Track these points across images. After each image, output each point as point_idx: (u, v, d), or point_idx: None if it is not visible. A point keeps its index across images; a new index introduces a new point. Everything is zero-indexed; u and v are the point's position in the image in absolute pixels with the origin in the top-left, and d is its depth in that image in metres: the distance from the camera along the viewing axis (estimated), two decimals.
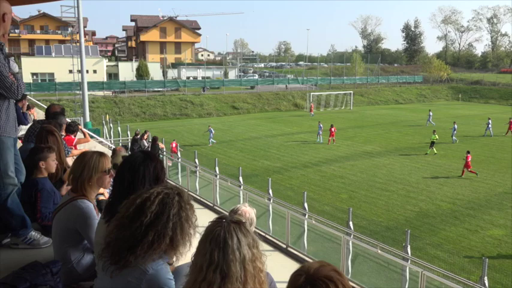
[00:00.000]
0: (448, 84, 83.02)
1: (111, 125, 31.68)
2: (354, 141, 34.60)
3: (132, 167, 2.52)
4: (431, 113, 45.28)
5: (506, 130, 38.56)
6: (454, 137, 34.37)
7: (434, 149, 29.75)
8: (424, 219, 17.53)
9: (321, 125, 34.96)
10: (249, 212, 3.44)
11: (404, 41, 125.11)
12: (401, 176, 24.14)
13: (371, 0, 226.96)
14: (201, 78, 66.86)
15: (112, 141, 26.24)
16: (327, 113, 54.10)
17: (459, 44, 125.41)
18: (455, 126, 34.94)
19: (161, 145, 20.99)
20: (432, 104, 69.20)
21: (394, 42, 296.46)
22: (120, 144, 25.59)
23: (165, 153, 21.18)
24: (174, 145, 25.45)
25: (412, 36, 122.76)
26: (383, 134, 38.71)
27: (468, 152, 24.20)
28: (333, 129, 33.89)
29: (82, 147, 8.55)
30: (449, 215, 18.04)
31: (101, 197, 4.16)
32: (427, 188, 21.90)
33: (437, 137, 30.35)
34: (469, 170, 23.68)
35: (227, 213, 3.02)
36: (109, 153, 8.43)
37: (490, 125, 37.85)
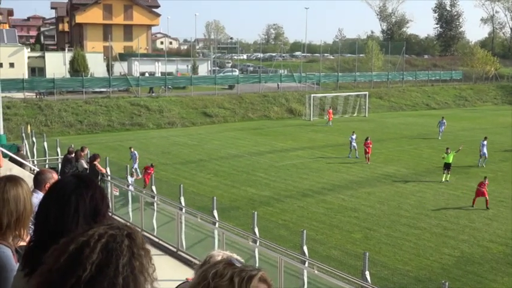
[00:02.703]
0: (497, 83, 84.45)
1: (34, 139, 31.33)
2: (370, 160, 34.83)
3: (60, 198, 2.48)
4: (444, 121, 45.26)
5: None
6: (481, 159, 33.35)
7: (447, 174, 29.03)
8: (468, 267, 17.63)
9: (354, 136, 35.65)
10: None
11: (437, 24, 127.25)
12: (436, 207, 24.32)
13: None
14: (160, 75, 66.64)
15: (35, 162, 25.92)
16: (333, 121, 54.43)
17: (511, 29, 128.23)
18: (485, 143, 33.24)
19: (101, 168, 20.71)
20: (476, 108, 70.25)
21: (424, 26, 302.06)
22: (47, 166, 25.31)
23: (109, 178, 21.00)
24: (150, 170, 25.37)
25: (447, 18, 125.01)
26: (410, 150, 39.08)
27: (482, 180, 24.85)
28: (368, 142, 34.23)
29: None
30: (501, 261, 18.18)
31: (20, 242, 4.10)
32: (471, 224, 22.09)
33: (452, 157, 29.43)
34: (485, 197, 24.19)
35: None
36: (30, 178, 8.32)
37: None
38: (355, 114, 60.92)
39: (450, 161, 29.37)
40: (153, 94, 58.24)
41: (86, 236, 1.90)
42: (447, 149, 30.24)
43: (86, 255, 1.84)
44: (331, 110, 54.95)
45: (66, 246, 1.90)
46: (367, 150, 34.01)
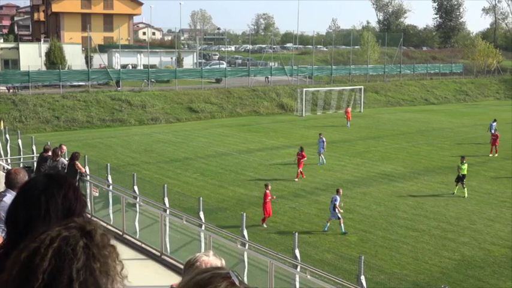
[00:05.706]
0: (499, 77, 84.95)
1: (7, 136, 31.14)
2: (365, 158, 34.89)
3: (29, 199, 2.44)
4: (495, 123, 41.40)
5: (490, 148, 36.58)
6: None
7: (463, 188, 26.21)
8: (468, 271, 17.70)
9: (324, 139, 33.57)
10: (212, 263, 3.41)
11: (436, 14, 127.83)
12: (435, 208, 24.40)
13: None
14: (142, 67, 66.43)
15: (8, 161, 25.74)
16: (326, 117, 54.55)
17: None
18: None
19: (81, 167, 20.57)
20: (477, 104, 70.59)
21: (423, 17, 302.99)
22: (22, 165, 25.15)
23: (88, 177, 20.90)
24: (268, 190, 22.02)
25: (447, 8, 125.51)
26: (408, 147, 39.20)
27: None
28: (303, 153, 29.90)
29: None
30: (504, 265, 18.26)
31: None
32: (472, 225, 22.18)
33: (466, 166, 26.65)
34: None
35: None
36: (2, 178, 8.25)
37: None
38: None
39: (465, 172, 26.41)
40: (118, 89, 57.61)
41: (38, 242, 1.86)
42: (462, 157, 27.51)
43: (37, 264, 1.81)
44: (349, 109, 52.27)
45: (20, 253, 1.88)
46: (299, 163, 29.78)
